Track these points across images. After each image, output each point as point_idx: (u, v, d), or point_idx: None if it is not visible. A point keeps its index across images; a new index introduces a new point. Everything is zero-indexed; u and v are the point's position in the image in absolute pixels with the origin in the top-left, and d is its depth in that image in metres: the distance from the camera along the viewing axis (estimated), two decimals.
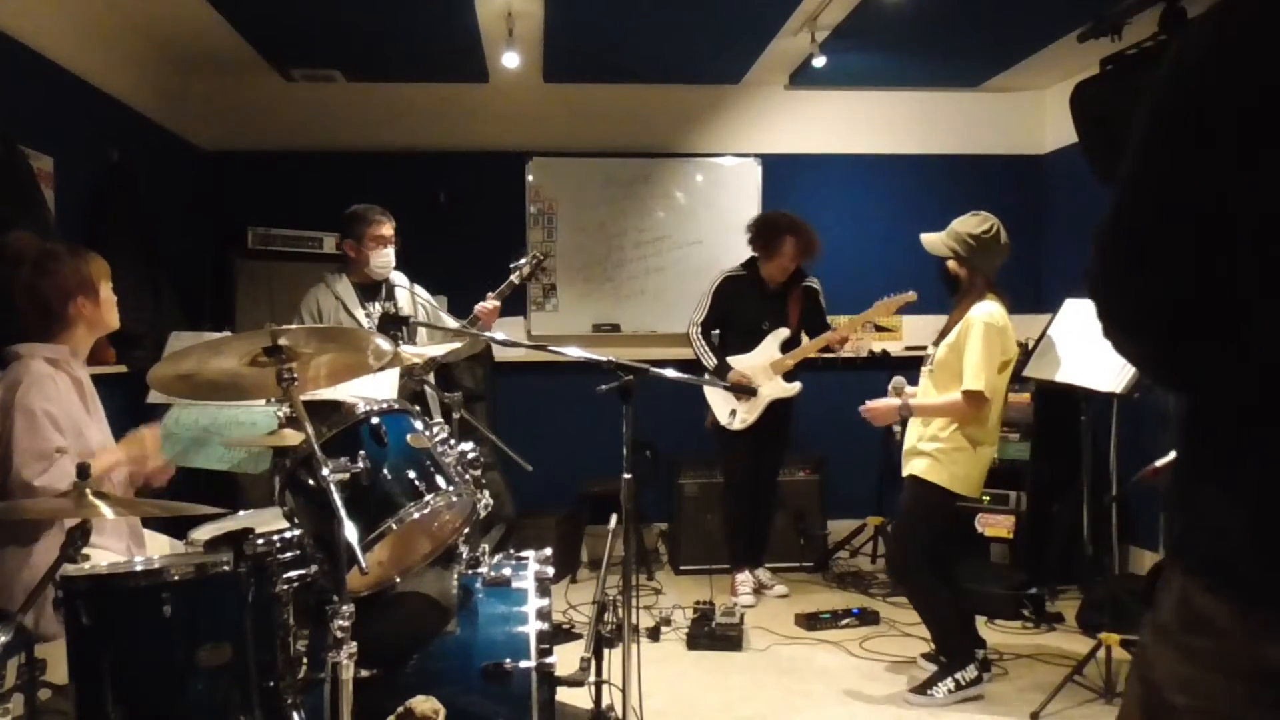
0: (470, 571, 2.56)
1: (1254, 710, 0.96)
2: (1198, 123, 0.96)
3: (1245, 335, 0.98)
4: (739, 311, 4.73)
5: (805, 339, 4.74)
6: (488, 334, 3.78)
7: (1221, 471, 1.01)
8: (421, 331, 3.98)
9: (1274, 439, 0.96)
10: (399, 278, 4.05)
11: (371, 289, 3.99)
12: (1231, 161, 0.94)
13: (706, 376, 4.62)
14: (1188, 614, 1.02)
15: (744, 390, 4.51)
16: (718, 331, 4.80)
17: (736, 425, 4.66)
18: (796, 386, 4.65)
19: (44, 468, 2.40)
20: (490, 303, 3.92)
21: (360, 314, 3.91)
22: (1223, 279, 0.97)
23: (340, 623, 1.92)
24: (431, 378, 3.89)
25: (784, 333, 4.69)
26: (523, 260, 4.00)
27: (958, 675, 3.48)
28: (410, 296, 4.04)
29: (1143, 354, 1.08)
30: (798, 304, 4.75)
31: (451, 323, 4.05)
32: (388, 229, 3.95)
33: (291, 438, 2.31)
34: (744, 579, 4.75)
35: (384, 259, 3.95)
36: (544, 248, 5.76)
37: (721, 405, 4.73)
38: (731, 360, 4.65)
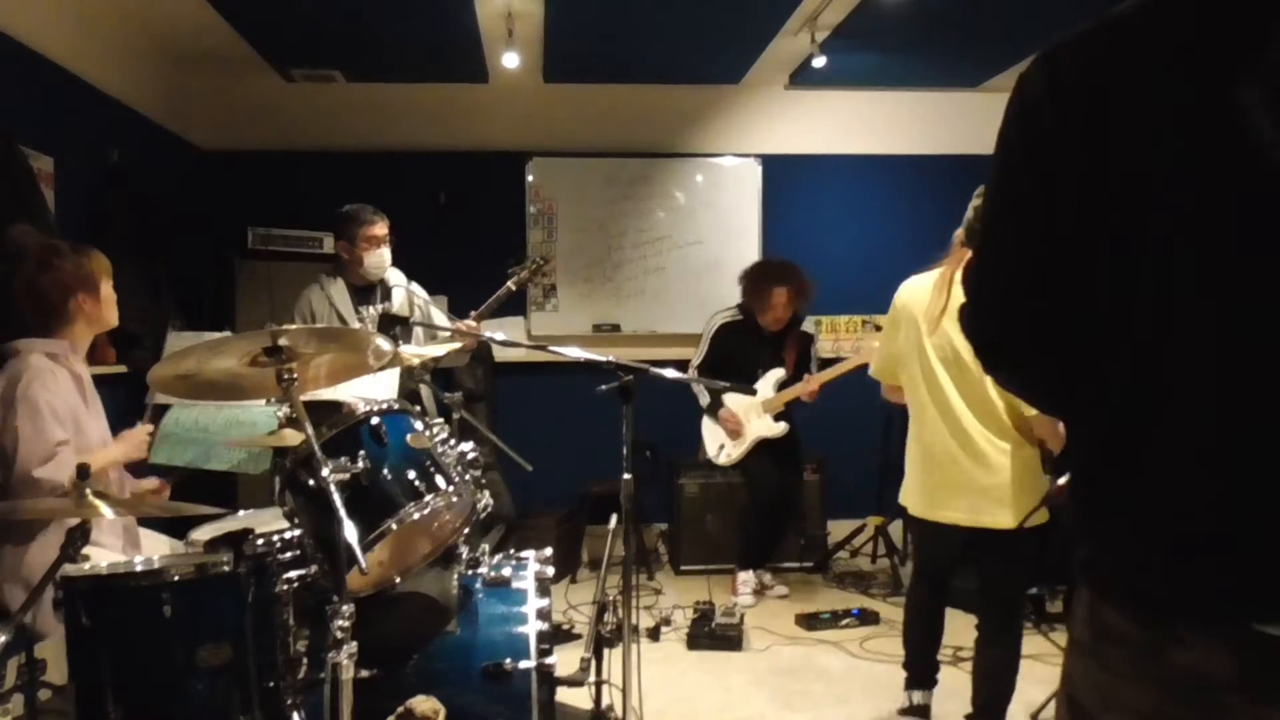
0: (470, 571, 2.56)
1: (1171, 713, 0.99)
2: (1036, 170, 1.06)
3: (1100, 352, 1.03)
4: (736, 356, 4.81)
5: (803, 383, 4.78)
6: (488, 334, 3.76)
7: (1112, 492, 1.04)
8: (418, 332, 3.94)
9: (1156, 459, 1.00)
10: (396, 277, 4.00)
11: (367, 290, 3.95)
12: (1070, 201, 1.02)
13: (706, 378, 4.68)
14: (1098, 626, 1.06)
15: (742, 390, 4.55)
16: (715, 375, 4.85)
17: (722, 460, 4.80)
18: (783, 427, 4.72)
19: (46, 460, 2.41)
20: (467, 322, 3.83)
21: (352, 317, 3.88)
22: (1066, 302, 1.05)
23: (340, 623, 1.92)
24: (429, 377, 3.88)
25: (780, 373, 4.77)
26: (520, 266, 3.95)
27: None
28: (407, 296, 3.98)
29: (1013, 374, 1.20)
30: (794, 347, 4.84)
31: (446, 323, 4.01)
32: (381, 229, 3.88)
33: (291, 438, 2.31)
34: (746, 579, 4.75)
35: (378, 259, 3.89)
36: (543, 248, 5.76)
37: (711, 441, 4.86)
38: (726, 400, 4.78)
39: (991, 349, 1.16)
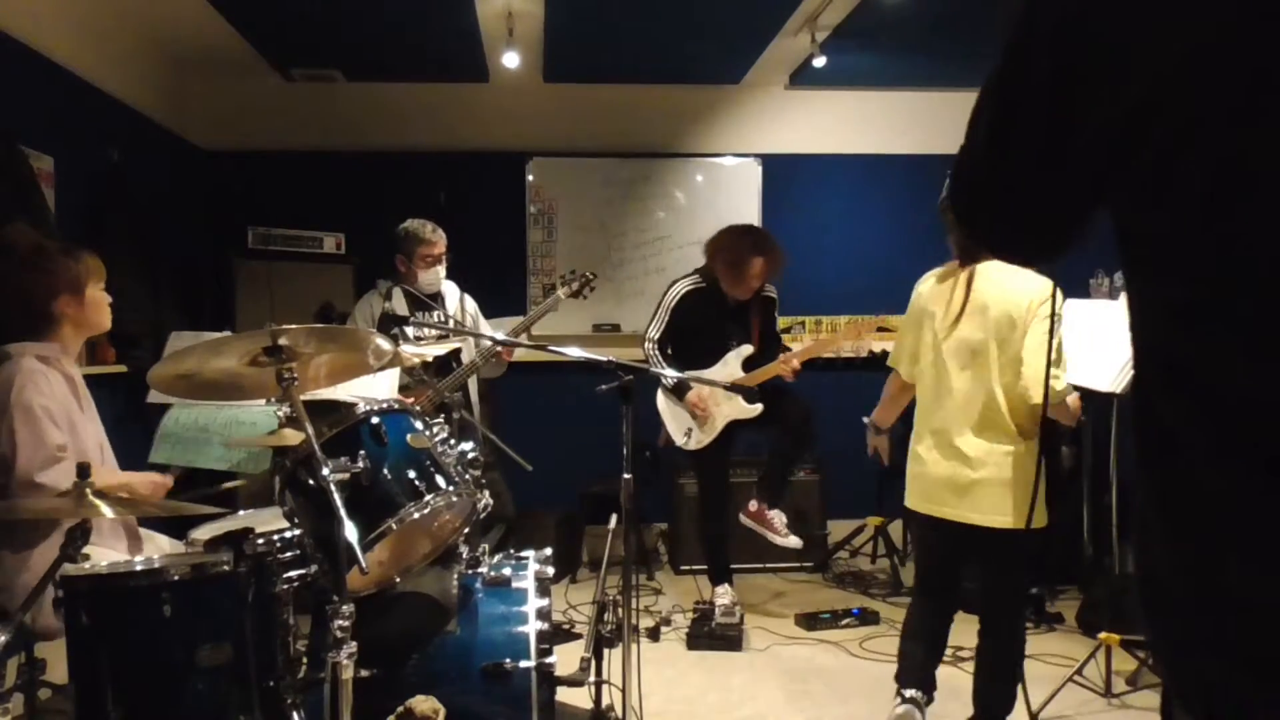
0: (470, 571, 2.56)
1: None
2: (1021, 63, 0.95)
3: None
4: (700, 327, 4.44)
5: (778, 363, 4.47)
6: (489, 334, 3.81)
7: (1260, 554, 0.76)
8: (472, 344, 4.11)
9: None
10: (449, 287, 4.23)
11: (423, 298, 4.14)
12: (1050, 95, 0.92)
13: (706, 376, 4.45)
14: None
15: (743, 391, 4.39)
16: (670, 347, 4.54)
17: (692, 445, 4.47)
18: (757, 408, 4.38)
19: (48, 464, 2.40)
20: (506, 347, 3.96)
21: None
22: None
23: (340, 623, 1.92)
24: (473, 390, 4.01)
25: (747, 349, 4.47)
26: (573, 276, 4.07)
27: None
28: (459, 306, 4.21)
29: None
30: (758, 316, 4.53)
31: (493, 334, 4.09)
32: (439, 248, 4.10)
33: (291, 438, 2.31)
34: (723, 591, 4.50)
35: (432, 276, 4.12)
36: (545, 249, 5.77)
37: (676, 424, 4.53)
38: (691, 376, 4.38)
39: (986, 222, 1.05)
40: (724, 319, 4.49)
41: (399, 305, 4.07)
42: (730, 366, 4.47)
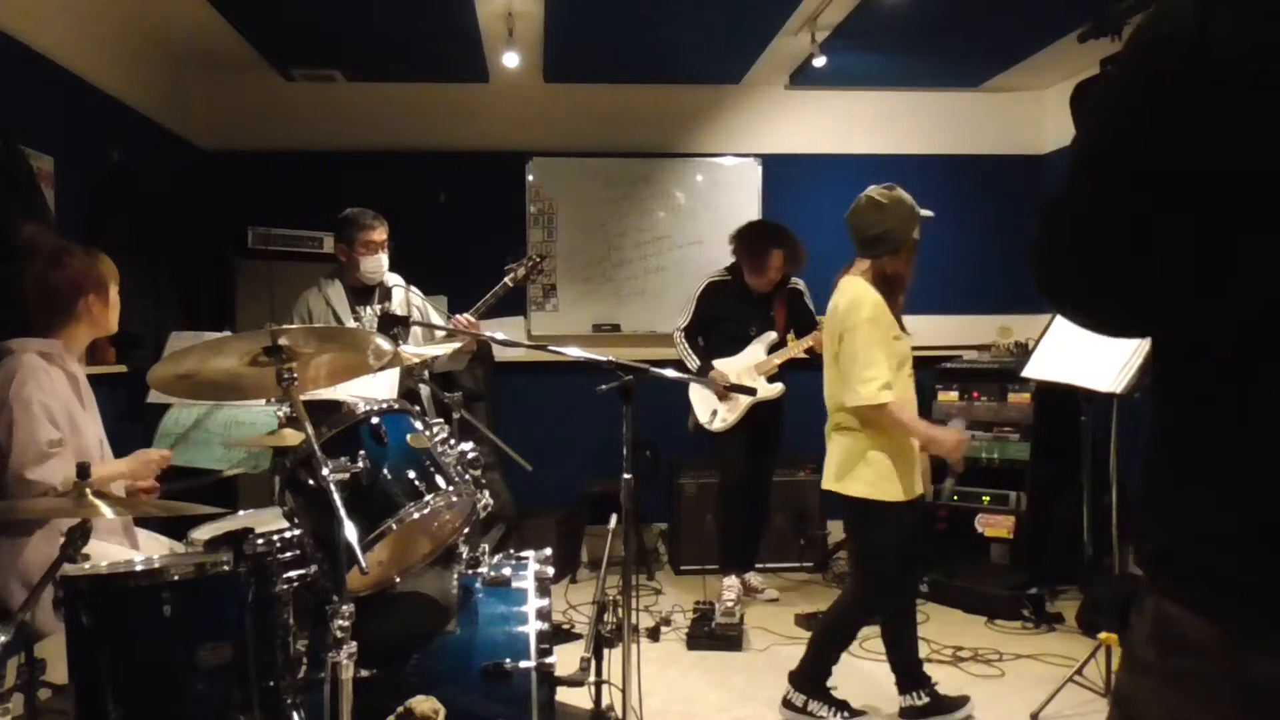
0: (470, 571, 2.56)
1: None
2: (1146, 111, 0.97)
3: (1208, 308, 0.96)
4: (724, 317, 4.73)
5: (791, 341, 4.72)
6: (488, 334, 3.75)
7: (1201, 462, 0.96)
8: (416, 332, 3.94)
9: (1262, 434, 0.91)
10: (395, 280, 4.02)
11: (365, 292, 3.97)
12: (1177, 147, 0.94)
13: (708, 375, 4.56)
14: (1167, 637, 0.97)
15: (742, 390, 4.41)
16: (702, 338, 4.80)
17: (717, 425, 4.67)
18: (779, 388, 4.64)
19: (39, 461, 2.41)
20: (465, 317, 3.81)
21: (349, 319, 3.90)
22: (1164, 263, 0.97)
23: (340, 623, 1.92)
24: (427, 375, 3.89)
25: (771, 336, 4.70)
26: (517, 262, 3.96)
27: None
28: (405, 299, 4.00)
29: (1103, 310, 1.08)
30: (783, 308, 4.75)
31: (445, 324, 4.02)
32: (379, 234, 3.91)
33: (291, 438, 2.31)
34: (731, 583, 4.66)
35: (374, 265, 3.92)
36: (543, 248, 5.75)
37: (703, 406, 4.75)
38: (717, 363, 4.65)
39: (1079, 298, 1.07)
40: (745, 308, 4.72)
41: (336, 299, 3.92)
42: (754, 352, 4.72)
